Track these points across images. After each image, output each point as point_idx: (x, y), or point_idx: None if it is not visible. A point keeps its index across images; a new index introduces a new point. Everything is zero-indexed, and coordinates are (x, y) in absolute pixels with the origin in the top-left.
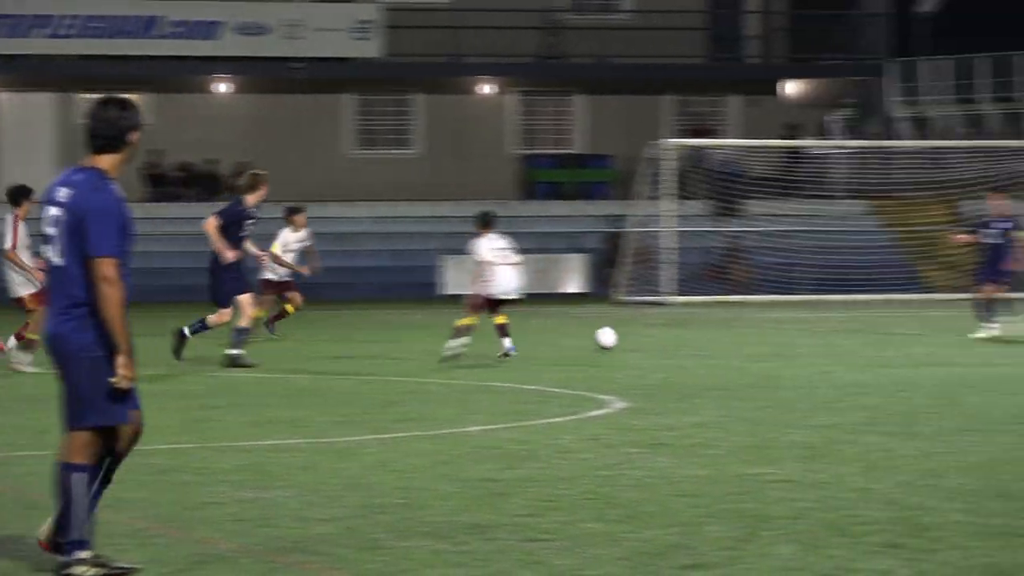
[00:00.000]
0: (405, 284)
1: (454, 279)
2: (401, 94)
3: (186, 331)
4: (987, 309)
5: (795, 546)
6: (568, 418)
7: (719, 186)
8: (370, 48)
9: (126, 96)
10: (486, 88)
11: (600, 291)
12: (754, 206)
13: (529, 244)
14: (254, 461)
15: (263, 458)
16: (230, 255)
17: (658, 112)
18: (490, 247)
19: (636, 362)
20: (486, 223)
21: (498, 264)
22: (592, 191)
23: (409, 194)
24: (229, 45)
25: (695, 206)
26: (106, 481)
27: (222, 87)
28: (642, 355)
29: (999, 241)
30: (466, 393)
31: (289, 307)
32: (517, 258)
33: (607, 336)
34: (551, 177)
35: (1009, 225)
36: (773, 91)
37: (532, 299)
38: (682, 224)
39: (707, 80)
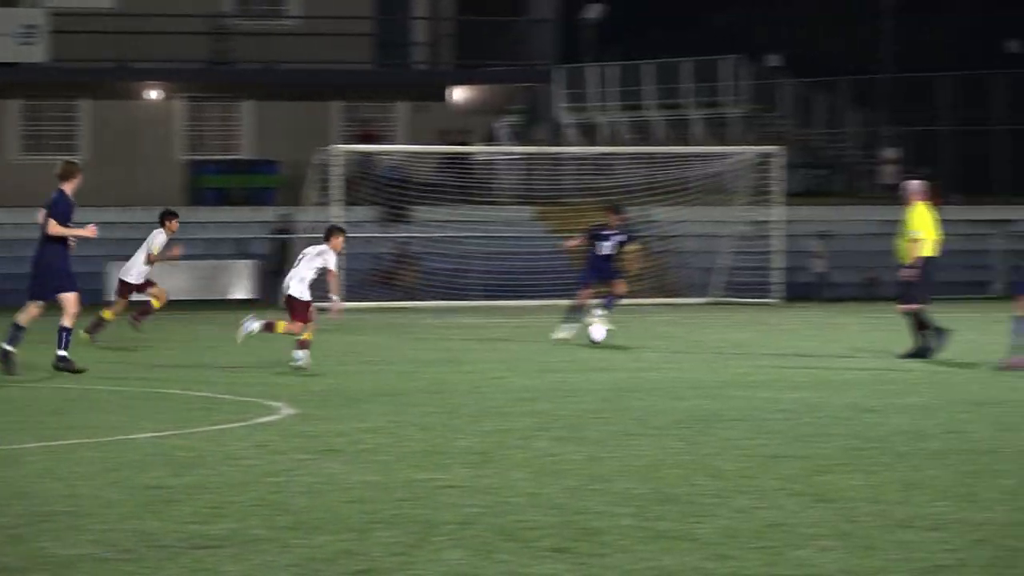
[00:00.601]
0: None
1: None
2: (68, 99)
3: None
4: (576, 312)
5: (465, 551)
6: (237, 424)
7: (387, 192)
8: (36, 53)
9: None
10: (153, 93)
11: (268, 297)
12: (423, 212)
13: (197, 250)
14: None
15: None
16: (84, 230)
17: (327, 118)
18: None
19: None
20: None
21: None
22: (260, 197)
23: (76, 200)
24: None
25: (364, 212)
26: None
27: None
28: (312, 361)
29: (611, 252)
30: (134, 400)
31: (155, 302)
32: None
33: (598, 331)
34: (219, 183)
35: (623, 238)
36: (441, 97)
37: (200, 305)
38: (351, 230)
39: (375, 86)
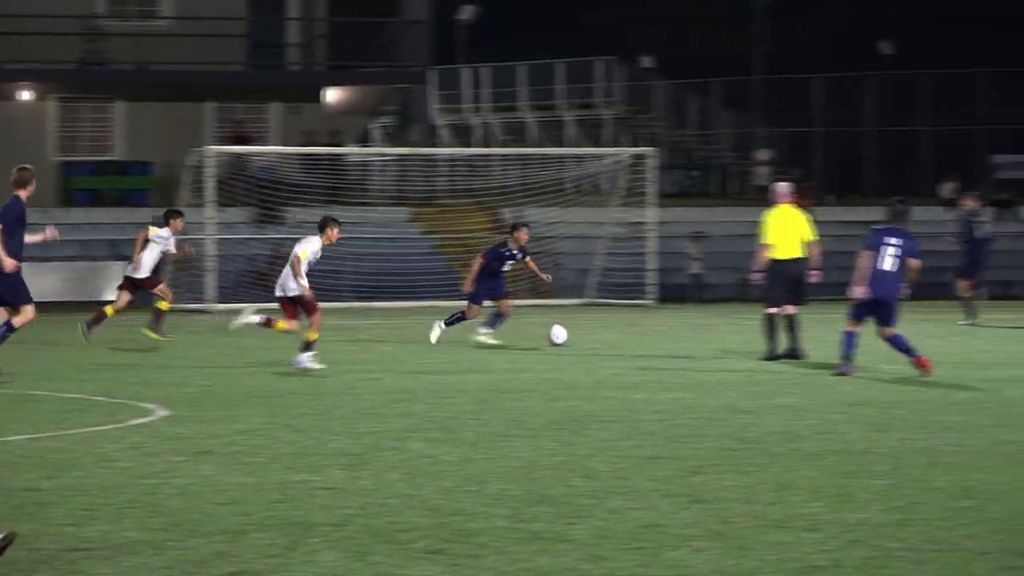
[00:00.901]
0: None
1: None
2: None
3: None
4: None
5: (339, 553)
6: (111, 427)
7: (261, 193)
8: None
9: None
10: (25, 94)
11: (143, 299)
12: (297, 213)
13: (70, 252)
14: None
15: None
16: (38, 238)
17: (200, 119)
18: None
19: (180, 370)
20: None
21: None
22: (133, 198)
23: None
24: None
25: (238, 213)
26: None
27: None
28: (186, 363)
29: (507, 270)
30: (6, 402)
31: (162, 304)
32: None
33: (559, 334)
34: (91, 184)
35: (520, 257)
36: (315, 98)
37: (74, 306)
38: (224, 231)
39: (248, 87)
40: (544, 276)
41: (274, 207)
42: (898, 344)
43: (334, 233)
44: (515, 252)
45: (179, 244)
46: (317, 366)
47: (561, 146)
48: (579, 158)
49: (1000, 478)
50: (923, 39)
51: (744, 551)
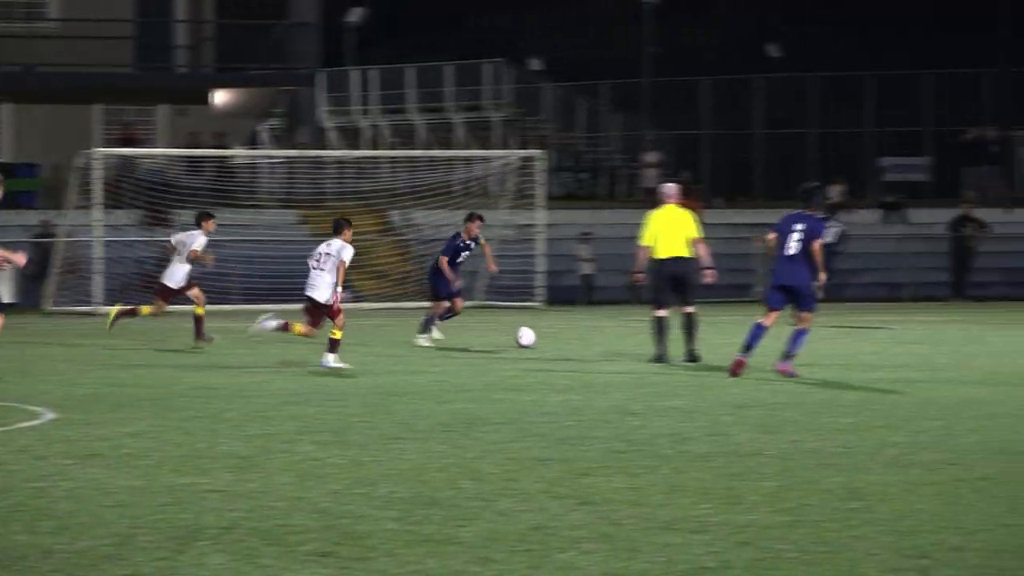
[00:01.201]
0: None
1: None
2: None
3: None
4: (439, 318)
5: (228, 556)
6: None
7: (149, 196)
8: None
9: None
10: None
11: (29, 301)
12: (186, 216)
13: None
14: None
15: None
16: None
17: (87, 120)
18: None
19: (68, 372)
20: None
21: None
22: (19, 200)
23: None
24: None
25: (125, 215)
26: None
27: None
28: (73, 365)
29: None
30: None
31: (199, 310)
32: None
33: (527, 336)
34: None
35: (473, 246)
36: (203, 100)
37: None
38: (112, 234)
39: (136, 89)
40: (493, 268)
41: (162, 209)
42: (794, 340)
43: (349, 234)
44: (468, 242)
45: (205, 250)
46: (343, 365)
47: (450, 148)
48: (468, 160)
49: (888, 479)
50: (811, 42)
51: (633, 553)
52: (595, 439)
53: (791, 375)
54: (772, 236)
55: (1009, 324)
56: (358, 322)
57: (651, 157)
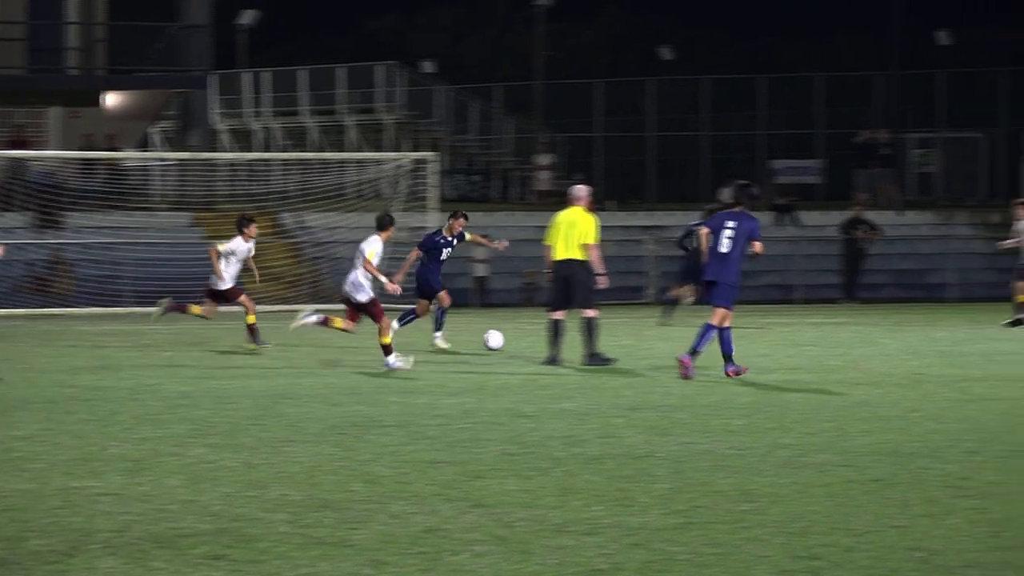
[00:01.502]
0: None
1: None
2: None
3: None
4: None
5: (120, 559)
6: None
7: (40, 198)
8: None
9: None
10: None
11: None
12: (77, 218)
13: None
14: None
15: None
16: None
17: None
18: None
19: None
20: None
21: None
22: None
23: None
24: None
25: (16, 218)
26: None
27: None
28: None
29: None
30: None
31: (251, 317)
32: None
33: (495, 338)
34: None
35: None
36: (95, 102)
37: None
38: (3, 237)
39: (26, 90)
40: (499, 245)
41: (53, 212)
42: (722, 339)
43: (388, 233)
44: (450, 239)
45: (249, 256)
46: (406, 364)
47: (342, 151)
48: (360, 163)
49: (780, 481)
50: (703, 44)
51: (525, 555)
52: (488, 441)
53: (688, 373)
54: (705, 232)
55: (900, 326)
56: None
57: (544, 160)
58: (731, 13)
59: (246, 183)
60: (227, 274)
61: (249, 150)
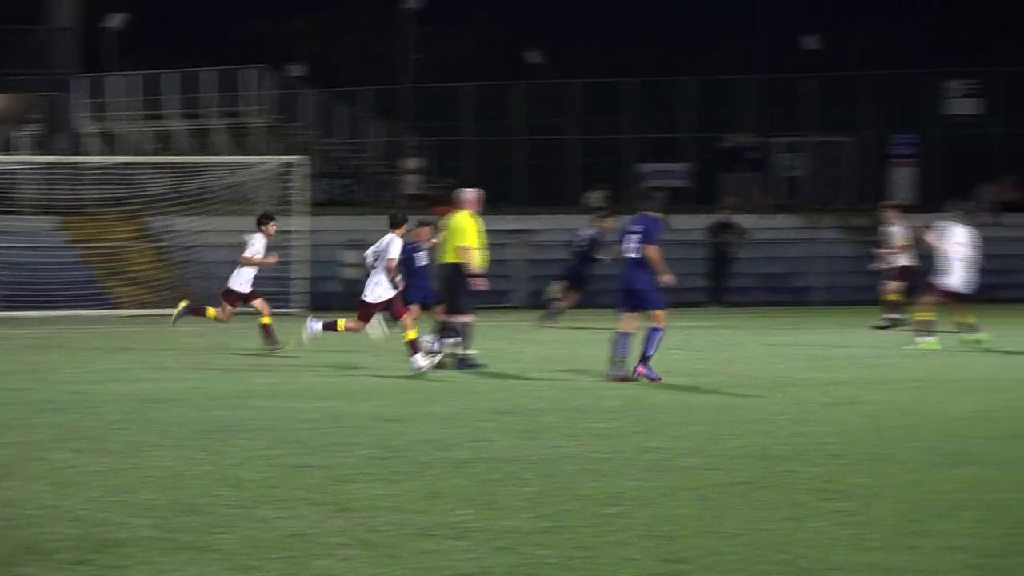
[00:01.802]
0: None
1: None
2: None
3: None
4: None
5: None
6: None
7: None
8: None
9: None
10: None
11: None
12: None
13: None
14: None
15: None
16: None
17: None
18: None
19: None
20: None
21: None
22: None
23: None
24: None
25: None
26: None
27: None
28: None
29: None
30: None
31: (266, 319)
32: None
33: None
34: None
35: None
36: None
37: None
38: None
39: None
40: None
41: None
42: (649, 340)
43: (401, 231)
44: (422, 245)
45: (268, 254)
46: (430, 364)
47: (209, 155)
48: (228, 167)
49: (646, 484)
50: (571, 48)
51: (392, 559)
52: (355, 446)
53: (653, 378)
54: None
55: (766, 329)
56: (114, 328)
57: (412, 163)
58: (599, 17)
59: (113, 187)
60: (244, 277)
61: (116, 154)
